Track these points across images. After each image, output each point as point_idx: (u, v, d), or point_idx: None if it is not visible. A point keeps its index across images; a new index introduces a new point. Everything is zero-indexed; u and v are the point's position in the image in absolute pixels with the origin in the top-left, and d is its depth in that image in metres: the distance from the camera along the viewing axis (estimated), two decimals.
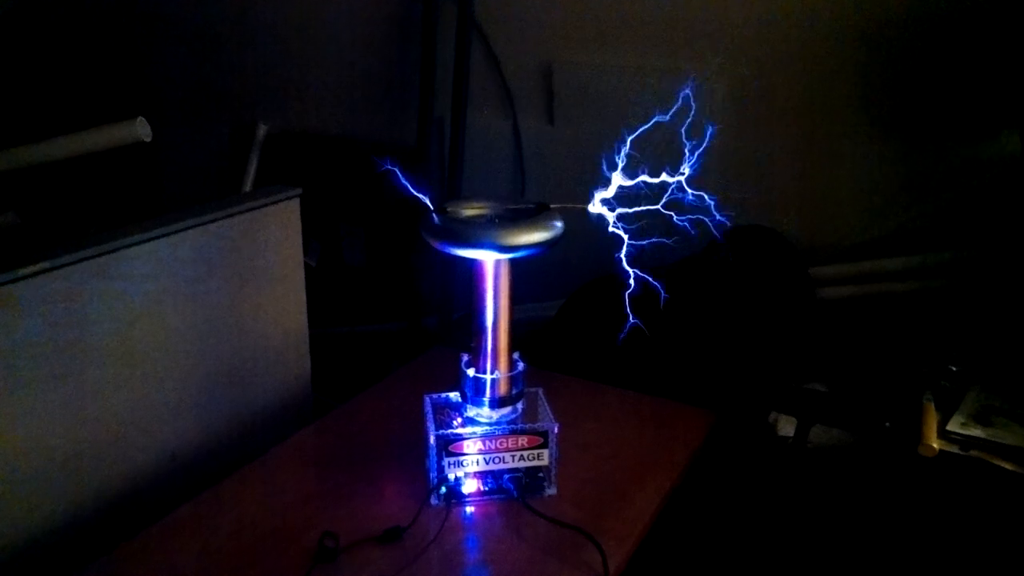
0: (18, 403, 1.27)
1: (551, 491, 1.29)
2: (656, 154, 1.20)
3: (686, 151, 1.21)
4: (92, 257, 1.36)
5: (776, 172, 2.07)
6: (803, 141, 2.04)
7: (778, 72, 2.02)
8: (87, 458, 1.39)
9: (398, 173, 1.20)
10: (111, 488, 1.44)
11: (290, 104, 2.76)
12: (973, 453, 1.38)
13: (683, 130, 1.22)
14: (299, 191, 1.74)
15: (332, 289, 2.60)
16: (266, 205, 1.67)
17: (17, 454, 1.28)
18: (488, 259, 1.20)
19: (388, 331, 2.57)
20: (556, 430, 1.26)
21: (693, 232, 1.22)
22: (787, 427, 1.58)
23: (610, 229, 1.20)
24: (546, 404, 1.31)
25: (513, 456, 1.26)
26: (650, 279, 1.21)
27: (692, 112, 1.21)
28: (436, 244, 1.18)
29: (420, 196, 1.21)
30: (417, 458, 1.32)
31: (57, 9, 2.82)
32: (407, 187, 1.21)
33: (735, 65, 2.04)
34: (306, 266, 1.82)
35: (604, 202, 1.20)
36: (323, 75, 2.67)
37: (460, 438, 1.24)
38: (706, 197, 1.21)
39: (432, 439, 1.24)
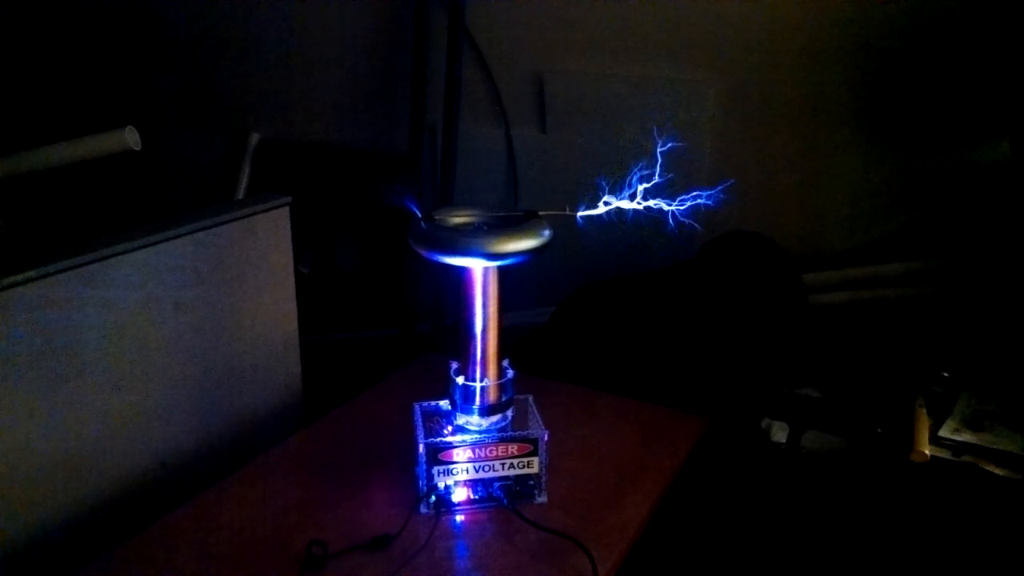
0: (8, 409, 1.27)
1: (541, 499, 1.28)
2: (649, 161, 1.21)
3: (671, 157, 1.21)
4: (81, 265, 1.35)
5: (770, 179, 2.08)
6: (797, 148, 2.05)
7: (772, 80, 2.03)
8: (77, 464, 1.39)
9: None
10: (101, 494, 1.43)
11: (283, 112, 2.76)
12: (965, 458, 1.38)
13: (678, 137, 1.23)
14: (288, 199, 1.74)
15: (326, 295, 2.60)
16: (255, 213, 1.66)
17: (8, 460, 1.28)
18: (476, 267, 1.20)
19: (382, 337, 2.56)
20: (546, 438, 1.26)
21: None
22: (780, 433, 1.58)
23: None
24: (536, 411, 1.31)
25: (503, 464, 1.25)
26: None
27: (686, 119, 1.21)
28: (423, 252, 1.18)
29: (409, 204, 1.21)
30: (407, 465, 1.31)
31: (52, 18, 2.83)
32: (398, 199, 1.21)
33: (729, 73, 2.04)
34: (300, 273, 1.81)
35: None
36: (316, 84, 2.67)
37: (450, 446, 1.24)
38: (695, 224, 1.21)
39: (421, 448, 1.23)
